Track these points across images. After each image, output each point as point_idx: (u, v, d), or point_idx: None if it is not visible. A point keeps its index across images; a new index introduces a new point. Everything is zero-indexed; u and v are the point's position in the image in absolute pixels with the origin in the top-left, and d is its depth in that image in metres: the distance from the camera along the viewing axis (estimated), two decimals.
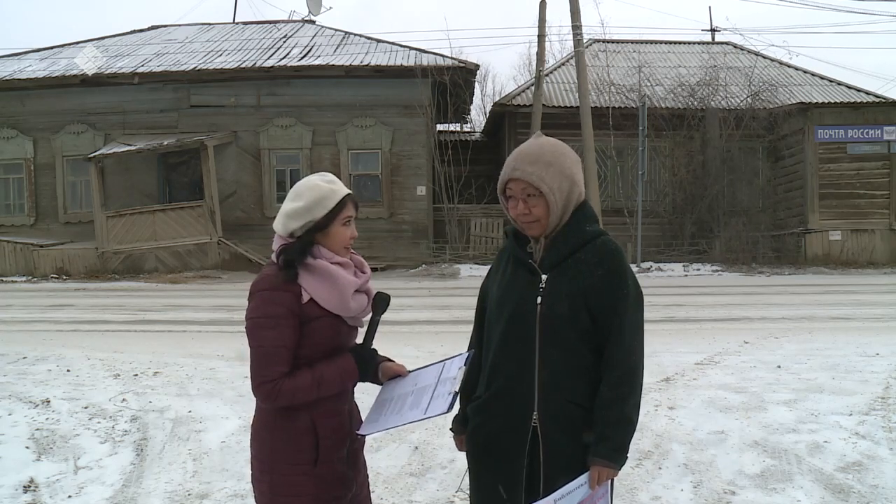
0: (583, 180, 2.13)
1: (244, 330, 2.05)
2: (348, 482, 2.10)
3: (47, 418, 4.94)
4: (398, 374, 2.16)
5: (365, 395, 2.25)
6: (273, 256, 2.06)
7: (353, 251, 2.16)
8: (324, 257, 2.05)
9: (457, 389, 1.93)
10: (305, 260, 2.01)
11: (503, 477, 2.06)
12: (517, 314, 2.05)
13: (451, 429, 2.31)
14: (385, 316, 2.18)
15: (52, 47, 21.36)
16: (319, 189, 2.04)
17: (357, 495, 2.15)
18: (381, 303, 2.11)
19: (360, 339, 2.18)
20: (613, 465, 1.97)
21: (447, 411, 1.90)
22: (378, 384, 2.20)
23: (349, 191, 2.10)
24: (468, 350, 2.14)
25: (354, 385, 2.11)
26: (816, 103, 18.52)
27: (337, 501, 2.07)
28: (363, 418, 2.18)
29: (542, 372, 2.00)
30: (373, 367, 2.12)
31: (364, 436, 2.07)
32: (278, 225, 2.08)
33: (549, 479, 1.99)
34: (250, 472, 2.12)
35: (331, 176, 2.12)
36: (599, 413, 1.98)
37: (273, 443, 2.04)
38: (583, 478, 1.95)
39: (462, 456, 2.28)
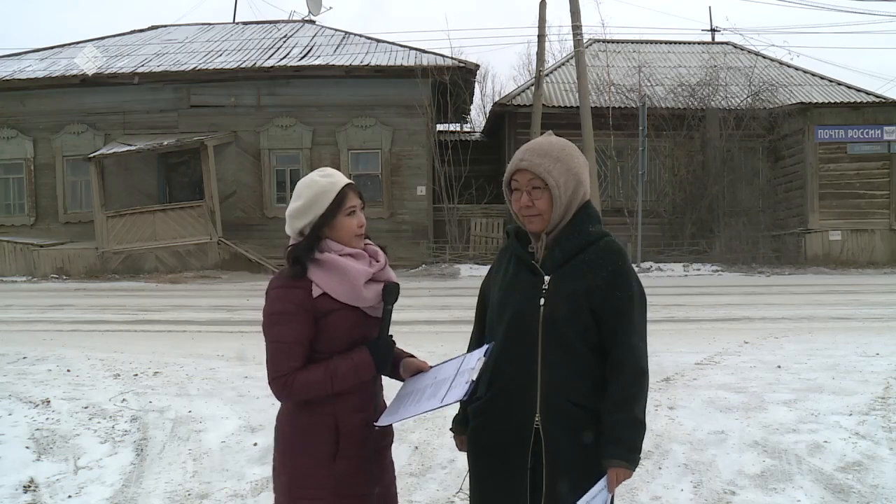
0: (588, 182, 2.12)
1: (261, 329, 2.06)
2: (372, 479, 2.08)
3: (47, 418, 4.94)
4: (420, 369, 2.16)
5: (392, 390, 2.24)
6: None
7: (369, 241, 2.17)
8: (332, 250, 2.05)
9: (474, 378, 1.94)
10: (313, 255, 2.03)
11: (505, 479, 2.04)
12: (519, 315, 2.04)
13: (451, 429, 2.30)
14: None
15: (52, 47, 21.36)
16: (317, 185, 2.06)
17: (383, 495, 2.14)
18: (390, 293, 2.10)
19: None
20: (630, 467, 1.97)
21: (464, 398, 1.91)
22: (400, 380, 2.20)
23: (349, 181, 2.11)
24: (486, 344, 2.12)
25: (371, 376, 2.09)
26: (816, 103, 18.53)
27: (358, 499, 2.05)
28: None
29: (545, 373, 1.99)
30: (391, 357, 2.11)
31: (380, 427, 2.07)
32: (287, 228, 2.11)
33: (551, 481, 1.98)
34: (272, 463, 2.14)
35: (329, 170, 2.14)
36: (611, 416, 1.97)
37: (294, 437, 2.05)
38: (602, 482, 1.95)
39: (462, 456, 2.28)
